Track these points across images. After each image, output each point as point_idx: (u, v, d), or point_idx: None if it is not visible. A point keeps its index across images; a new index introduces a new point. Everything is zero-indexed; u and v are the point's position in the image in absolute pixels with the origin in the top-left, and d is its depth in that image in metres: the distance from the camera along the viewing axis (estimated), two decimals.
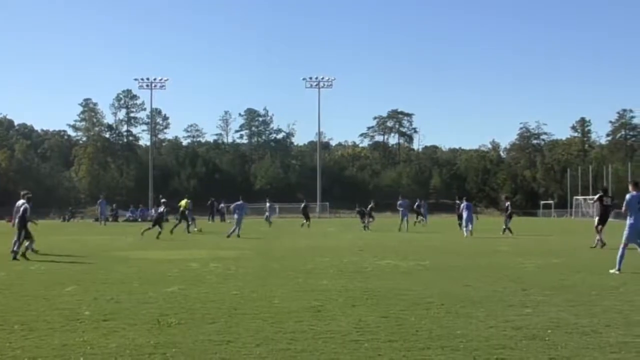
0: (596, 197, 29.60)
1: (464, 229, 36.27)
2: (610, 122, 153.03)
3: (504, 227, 36.72)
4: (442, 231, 43.30)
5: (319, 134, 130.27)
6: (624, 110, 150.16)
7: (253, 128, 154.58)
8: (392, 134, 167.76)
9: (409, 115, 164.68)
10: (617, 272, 16.54)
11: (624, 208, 17.30)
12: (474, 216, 39.07)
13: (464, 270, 18.08)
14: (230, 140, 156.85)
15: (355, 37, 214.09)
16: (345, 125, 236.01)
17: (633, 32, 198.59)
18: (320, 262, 20.31)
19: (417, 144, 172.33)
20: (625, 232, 17.10)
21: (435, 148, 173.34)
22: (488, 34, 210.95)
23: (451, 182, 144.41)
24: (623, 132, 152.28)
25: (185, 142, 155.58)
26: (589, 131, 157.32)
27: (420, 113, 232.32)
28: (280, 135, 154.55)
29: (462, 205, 38.05)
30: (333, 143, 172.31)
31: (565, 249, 27.14)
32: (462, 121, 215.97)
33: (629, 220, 17.15)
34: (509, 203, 38.50)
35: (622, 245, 16.96)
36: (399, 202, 46.73)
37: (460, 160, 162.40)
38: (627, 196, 17.21)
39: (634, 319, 10.32)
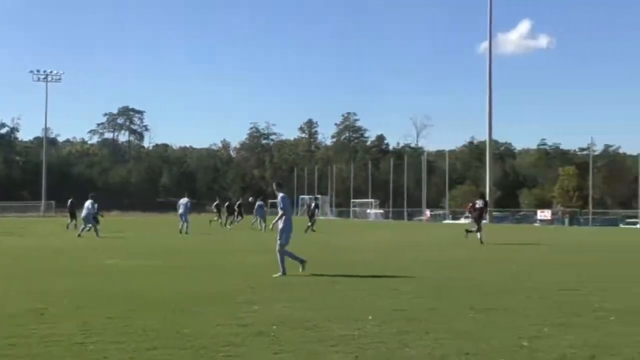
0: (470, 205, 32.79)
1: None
2: (336, 124, 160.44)
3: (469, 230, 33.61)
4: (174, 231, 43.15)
5: (45, 129, 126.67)
6: (348, 113, 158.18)
7: None
8: (123, 131, 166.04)
9: (140, 112, 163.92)
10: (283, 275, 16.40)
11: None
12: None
13: (196, 270, 18.28)
14: None
15: (87, 31, 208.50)
16: (75, 121, 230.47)
17: (354, 39, 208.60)
18: (46, 263, 19.71)
19: (148, 142, 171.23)
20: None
21: (166, 146, 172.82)
22: (221, 31, 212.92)
23: (181, 180, 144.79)
24: (347, 134, 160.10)
25: None
26: (315, 132, 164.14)
27: (152, 110, 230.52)
28: (3, 130, 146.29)
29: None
30: (61, 139, 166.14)
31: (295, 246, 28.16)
32: (194, 119, 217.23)
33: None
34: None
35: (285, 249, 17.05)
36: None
37: (191, 158, 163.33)
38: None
39: (352, 313, 10.87)
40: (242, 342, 8.63)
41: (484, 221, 34.34)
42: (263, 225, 44.52)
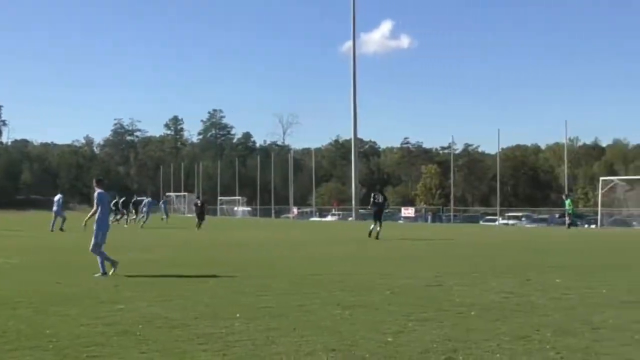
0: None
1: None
2: (202, 121, 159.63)
3: None
4: (38, 229, 41.92)
5: None
6: (215, 110, 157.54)
7: None
8: None
9: None
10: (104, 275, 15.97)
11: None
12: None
13: (57, 268, 17.84)
14: None
15: None
16: None
17: (222, 38, 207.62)
18: None
19: (7, 137, 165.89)
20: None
21: (26, 142, 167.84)
22: (84, 23, 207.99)
23: (43, 177, 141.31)
24: (214, 131, 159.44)
25: None
26: (181, 129, 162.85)
27: (10, 104, 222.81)
28: None
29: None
30: None
31: (157, 244, 27.84)
32: (55, 115, 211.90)
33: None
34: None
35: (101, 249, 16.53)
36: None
37: (53, 155, 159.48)
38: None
39: (219, 311, 10.85)
40: (107, 342, 8.48)
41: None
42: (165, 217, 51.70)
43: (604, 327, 9.65)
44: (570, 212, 48.14)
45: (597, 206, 65.33)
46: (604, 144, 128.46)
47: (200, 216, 46.21)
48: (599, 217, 63.15)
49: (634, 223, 63.09)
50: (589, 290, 13.64)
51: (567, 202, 49.73)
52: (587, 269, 18.43)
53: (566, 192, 55.99)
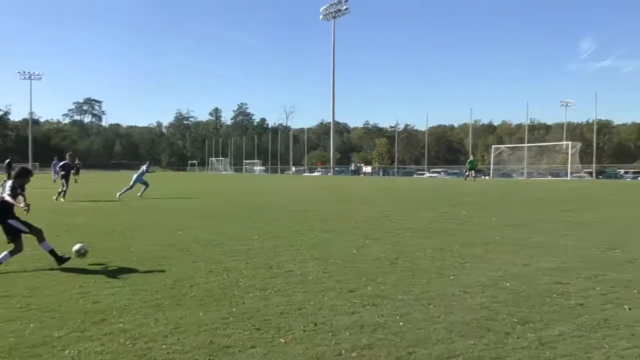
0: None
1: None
2: (233, 110, 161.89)
3: None
4: (124, 184, 41.49)
5: (30, 113, 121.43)
6: (242, 103, 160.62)
7: None
8: (87, 115, 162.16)
9: (99, 102, 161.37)
10: None
11: None
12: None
13: (137, 210, 17.73)
14: None
15: (64, 40, 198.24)
16: (53, 106, 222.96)
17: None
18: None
19: (105, 122, 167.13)
20: None
21: (118, 125, 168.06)
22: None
23: (129, 149, 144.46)
24: (241, 117, 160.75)
25: None
26: (220, 116, 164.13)
27: (107, 99, 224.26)
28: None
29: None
30: (42, 120, 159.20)
31: (206, 192, 27.74)
32: (137, 106, 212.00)
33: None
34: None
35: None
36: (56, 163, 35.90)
37: (136, 133, 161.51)
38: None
39: (244, 234, 10.83)
40: (170, 255, 8.54)
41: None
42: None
43: (494, 242, 9.76)
44: (470, 168, 47.36)
45: (490, 164, 65.65)
46: (495, 123, 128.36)
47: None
48: (491, 171, 63.56)
49: (513, 175, 63.53)
50: (484, 219, 13.77)
51: (469, 161, 48.96)
52: (483, 205, 18.56)
53: (470, 156, 55.36)
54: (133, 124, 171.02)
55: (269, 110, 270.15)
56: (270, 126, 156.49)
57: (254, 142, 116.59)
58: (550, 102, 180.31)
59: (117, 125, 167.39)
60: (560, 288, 6.27)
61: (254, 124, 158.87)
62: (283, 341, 4.58)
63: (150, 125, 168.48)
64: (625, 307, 5.49)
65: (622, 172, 63.64)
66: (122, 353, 4.37)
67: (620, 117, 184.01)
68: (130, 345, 4.53)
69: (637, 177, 59.47)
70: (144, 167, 23.55)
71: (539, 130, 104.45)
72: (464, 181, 44.95)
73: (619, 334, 4.70)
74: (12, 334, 4.81)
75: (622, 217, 14.08)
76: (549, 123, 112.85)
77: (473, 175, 47.73)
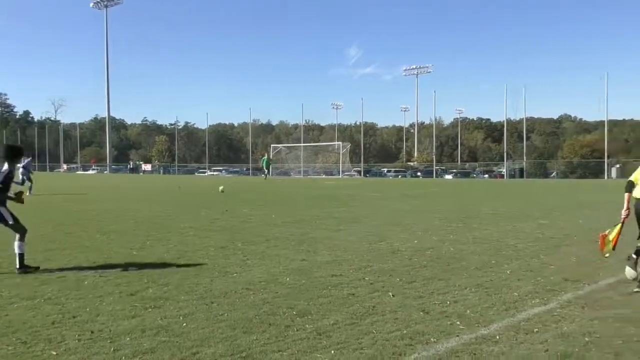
0: None
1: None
2: None
3: None
4: None
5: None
6: (1, 93, 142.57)
7: None
8: None
9: None
10: None
11: None
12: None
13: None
14: None
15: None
16: None
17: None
18: None
19: None
20: None
21: None
22: None
23: None
24: (0, 109, 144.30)
25: None
26: None
27: None
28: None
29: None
30: None
31: None
32: None
33: None
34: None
35: None
36: None
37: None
38: None
39: None
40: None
41: None
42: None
43: (273, 239, 10.09)
44: (267, 166, 47.41)
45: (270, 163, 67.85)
46: (274, 123, 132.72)
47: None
48: (270, 170, 65.64)
49: (291, 173, 66.49)
50: (264, 215, 14.16)
51: (264, 159, 48.44)
52: (263, 202, 19.10)
53: (265, 155, 54.29)
54: None
55: (35, 103, 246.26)
56: (36, 119, 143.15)
57: (17, 138, 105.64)
58: (323, 105, 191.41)
59: None
60: (335, 280, 6.71)
61: (17, 116, 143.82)
62: (55, 353, 4.22)
63: None
64: (390, 294, 6.05)
65: (385, 171, 70.28)
66: None
67: (382, 120, 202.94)
68: None
69: (398, 175, 66.20)
70: None
71: (314, 131, 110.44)
72: (264, 179, 44.35)
73: (385, 319, 5.17)
74: None
75: (387, 212, 15.54)
76: (322, 124, 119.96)
77: (266, 173, 47.57)
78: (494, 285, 6.45)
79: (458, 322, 5.02)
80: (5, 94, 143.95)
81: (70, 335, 4.62)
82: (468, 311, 5.38)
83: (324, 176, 61.00)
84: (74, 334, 4.66)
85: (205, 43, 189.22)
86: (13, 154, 7.39)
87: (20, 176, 20.95)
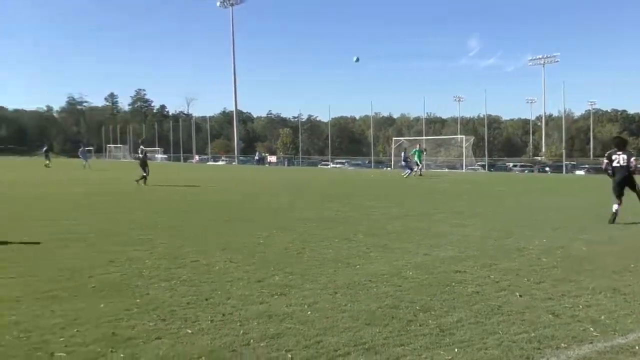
0: None
1: None
2: (131, 97, 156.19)
3: None
4: None
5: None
6: (139, 89, 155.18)
7: None
8: None
9: None
10: None
11: None
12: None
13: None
14: None
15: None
16: None
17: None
18: None
19: None
20: None
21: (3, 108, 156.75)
22: None
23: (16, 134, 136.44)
24: (139, 104, 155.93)
25: None
26: (116, 102, 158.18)
27: None
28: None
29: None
30: None
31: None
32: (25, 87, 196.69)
33: None
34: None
35: None
36: None
37: (23, 117, 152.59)
38: None
39: (146, 223, 10.54)
40: (67, 245, 8.10)
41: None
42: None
43: (395, 232, 10.04)
44: (420, 160, 37.38)
45: (391, 156, 67.52)
46: (395, 116, 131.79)
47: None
48: (392, 163, 65.37)
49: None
50: (384, 209, 14.11)
51: (416, 152, 38.41)
52: (385, 195, 19.05)
53: (417, 146, 41.92)
54: (19, 107, 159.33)
55: (169, 97, 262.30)
56: (171, 114, 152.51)
57: (155, 130, 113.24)
58: (445, 97, 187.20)
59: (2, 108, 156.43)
60: (458, 276, 6.55)
61: (154, 110, 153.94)
62: (190, 332, 4.49)
63: (39, 109, 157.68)
64: (517, 294, 5.81)
65: (511, 165, 67.49)
66: (15, 347, 4.11)
67: (507, 112, 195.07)
68: (25, 339, 4.28)
69: (525, 170, 63.33)
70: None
71: (436, 124, 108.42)
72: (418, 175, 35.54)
73: (511, 319, 4.97)
74: None
75: (513, 207, 14.93)
76: (444, 117, 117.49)
77: (421, 167, 38.07)
78: (634, 292, 5.96)
79: (591, 328, 4.72)
80: (144, 90, 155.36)
81: (203, 316, 4.89)
82: (602, 317, 5.04)
83: (446, 170, 59.73)
84: (207, 315, 4.92)
85: (325, 34, 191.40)
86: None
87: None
